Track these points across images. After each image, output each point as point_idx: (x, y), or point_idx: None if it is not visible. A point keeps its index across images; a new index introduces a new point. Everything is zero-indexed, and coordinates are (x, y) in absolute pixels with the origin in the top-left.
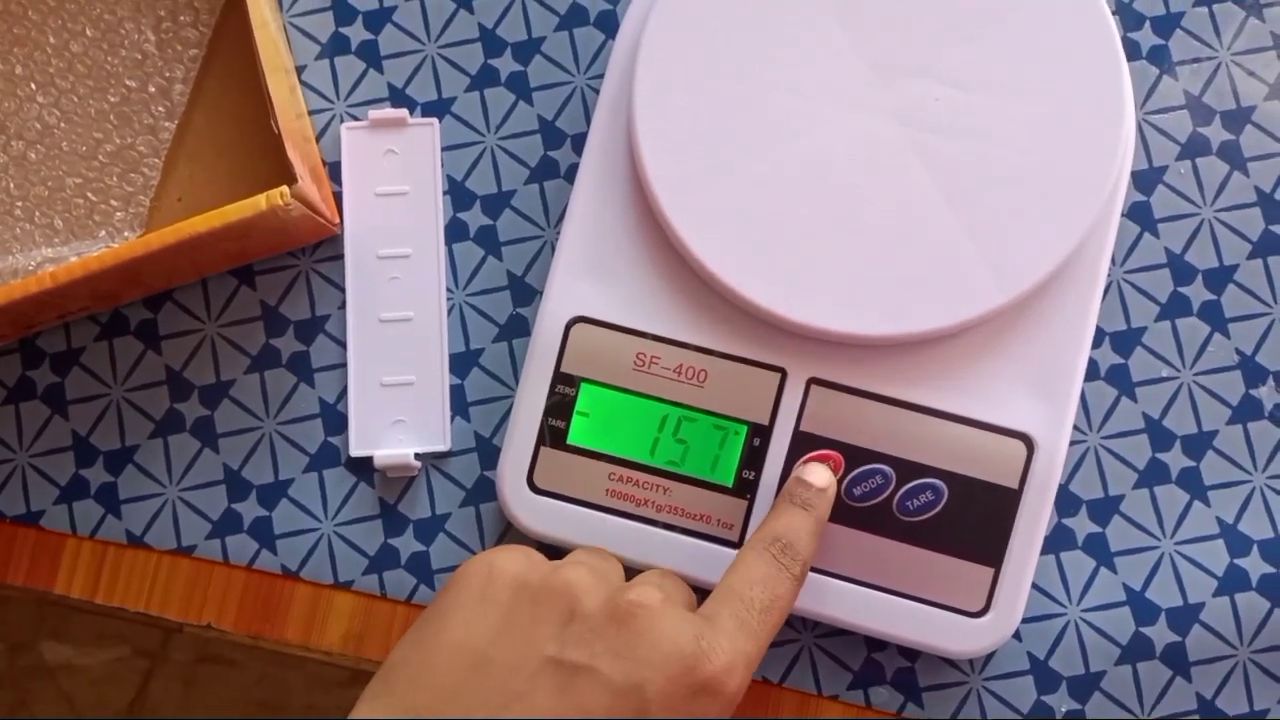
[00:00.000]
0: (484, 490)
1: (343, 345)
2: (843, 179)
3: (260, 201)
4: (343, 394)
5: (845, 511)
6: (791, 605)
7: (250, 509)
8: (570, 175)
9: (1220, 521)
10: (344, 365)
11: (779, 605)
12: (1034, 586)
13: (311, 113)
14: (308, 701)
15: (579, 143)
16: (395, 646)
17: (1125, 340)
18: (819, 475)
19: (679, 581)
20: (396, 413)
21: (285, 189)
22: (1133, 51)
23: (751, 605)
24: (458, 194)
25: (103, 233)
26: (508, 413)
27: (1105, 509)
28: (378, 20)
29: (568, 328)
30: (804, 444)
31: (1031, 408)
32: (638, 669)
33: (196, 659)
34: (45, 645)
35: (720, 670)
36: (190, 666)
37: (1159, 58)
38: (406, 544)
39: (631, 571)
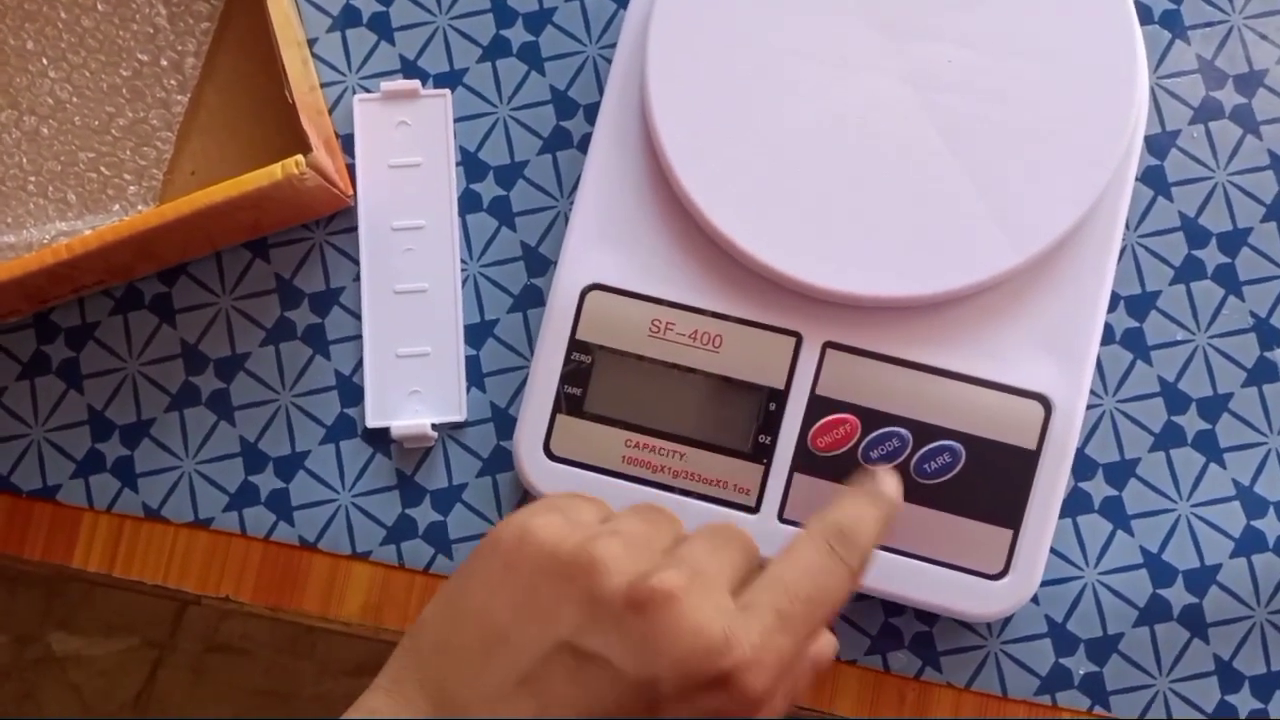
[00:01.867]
0: (500, 460)
1: (358, 317)
2: (856, 142)
3: (276, 171)
4: (358, 366)
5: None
6: (843, 603)
7: (267, 481)
8: (583, 145)
9: (1236, 483)
10: (359, 337)
11: (827, 599)
12: (1051, 550)
13: (323, 85)
14: (318, 690)
15: (591, 112)
16: (431, 600)
17: (1140, 304)
18: (889, 480)
19: (738, 545)
20: (412, 384)
21: (300, 158)
22: (1145, 16)
23: (796, 596)
24: (471, 165)
25: (116, 206)
26: (523, 383)
27: (1122, 472)
28: None
29: (583, 295)
30: (820, 408)
31: (1048, 369)
32: (651, 662)
33: (205, 648)
34: (53, 636)
35: (740, 663)
36: (199, 656)
37: (1171, 22)
38: (424, 514)
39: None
